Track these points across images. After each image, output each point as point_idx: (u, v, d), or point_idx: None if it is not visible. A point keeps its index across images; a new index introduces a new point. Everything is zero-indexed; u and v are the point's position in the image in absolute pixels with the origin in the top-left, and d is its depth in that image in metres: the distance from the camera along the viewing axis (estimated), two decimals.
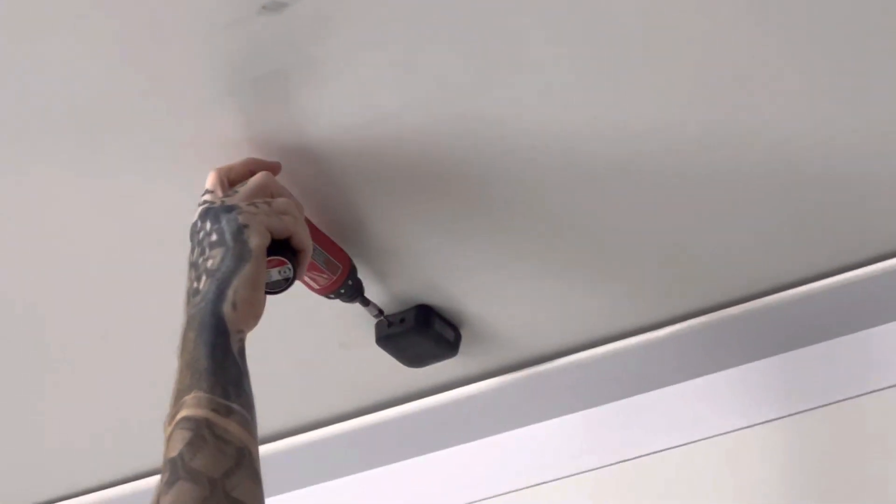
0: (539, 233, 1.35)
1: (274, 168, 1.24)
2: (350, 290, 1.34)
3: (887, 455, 1.39)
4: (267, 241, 1.15)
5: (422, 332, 1.42)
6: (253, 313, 1.12)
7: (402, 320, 1.43)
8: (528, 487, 1.55)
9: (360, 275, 1.36)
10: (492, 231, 1.35)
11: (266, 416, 1.59)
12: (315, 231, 1.29)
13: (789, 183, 1.28)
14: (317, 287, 1.33)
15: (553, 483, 1.54)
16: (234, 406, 1.05)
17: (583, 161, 1.25)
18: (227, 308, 1.10)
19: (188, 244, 1.19)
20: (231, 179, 1.21)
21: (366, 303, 1.38)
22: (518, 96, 1.19)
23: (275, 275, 1.18)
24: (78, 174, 1.29)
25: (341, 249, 1.33)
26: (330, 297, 1.34)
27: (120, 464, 1.68)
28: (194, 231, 1.18)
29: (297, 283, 1.23)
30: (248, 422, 1.06)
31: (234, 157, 1.24)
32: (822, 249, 1.37)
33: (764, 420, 1.46)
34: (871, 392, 1.42)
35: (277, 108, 1.22)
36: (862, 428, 1.42)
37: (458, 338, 1.46)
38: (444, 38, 1.14)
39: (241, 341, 1.10)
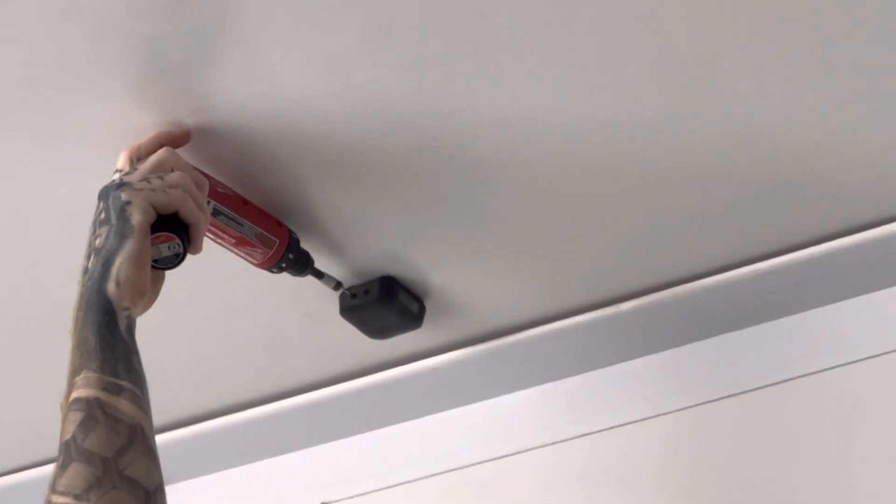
0: (504, 206, 1.35)
1: (180, 139, 1.23)
2: (293, 263, 1.33)
3: (805, 440, 1.42)
4: (150, 218, 1.15)
5: (386, 304, 1.42)
6: (137, 290, 1.12)
7: (367, 291, 1.42)
8: (490, 460, 1.55)
9: (322, 247, 1.36)
10: (457, 203, 1.34)
11: (228, 386, 1.62)
12: (245, 205, 1.29)
13: (723, 171, 1.29)
14: (255, 262, 1.32)
15: (515, 456, 1.54)
16: (124, 384, 1.05)
17: (547, 138, 1.25)
18: (110, 286, 1.10)
19: None
20: (139, 157, 1.21)
21: (319, 275, 1.37)
22: (482, 71, 1.18)
23: (164, 250, 1.18)
24: None
25: (279, 223, 1.32)
26: (273, 272, 1.34)
27: None
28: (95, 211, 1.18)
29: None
30: (140, 399, 1.06)
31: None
32: (751, 236, 1.39)
33: (724, 395, 1.47)
34: (801, 376, 1.44)
35: (233, 78, 1.20)
36: (784, 412, 1.44)
37: (422, 309, 1.46)
38: (410, 12, 1.14)
39: (129, 318, 1.10)
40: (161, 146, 1.21)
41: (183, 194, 1.17)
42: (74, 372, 1.06)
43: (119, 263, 1.11)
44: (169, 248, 1.18)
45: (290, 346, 1.55)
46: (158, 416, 1.59)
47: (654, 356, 1.52)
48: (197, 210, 1.18)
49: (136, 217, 1.13)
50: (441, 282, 1.44)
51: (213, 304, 1.45)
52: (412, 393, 1.57)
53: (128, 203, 1.14)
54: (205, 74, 1.19)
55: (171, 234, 1.17)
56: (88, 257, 1.13)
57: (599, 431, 1.51)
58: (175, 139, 1.23)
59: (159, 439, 1.59)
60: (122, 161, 1.21)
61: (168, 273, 1.20)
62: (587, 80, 1.19)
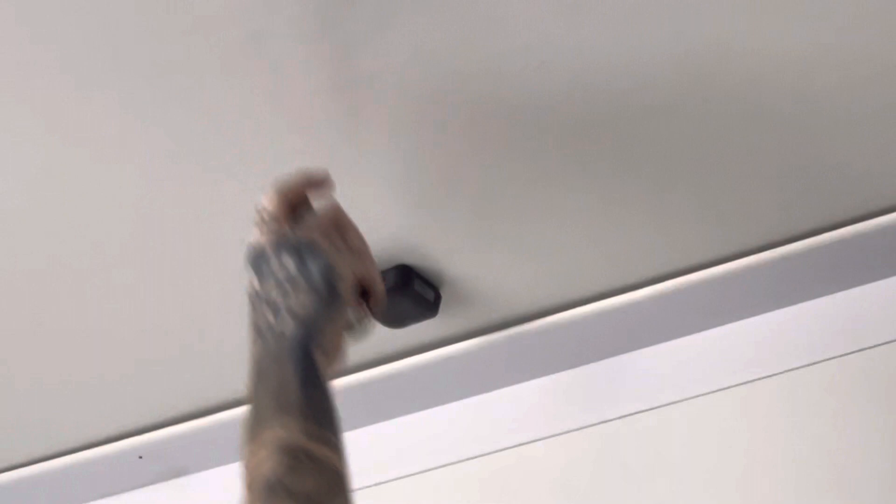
0: (518, 194, 1.34)
1: (325, 184, 1.17)
2: None
3: None
4: (352, 286, 1.12)
5: (401, 293, 1.42)
6: (339, 360, 1.11)
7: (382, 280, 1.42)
8: (508, 448, 1.55)
9: None
10: (472, 191, 1.34)
11: (245, 376, 1.61)
12: None
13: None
14: None
15: (533, 444, 1.54)
16: (327, 433, 1.02)
17: (570, 110, 1.24)
18: (316, 351, 1.06)
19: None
20: (293, 204, 1.14)
21: None
22: (506, 42, 1.17)
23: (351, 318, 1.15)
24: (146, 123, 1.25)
25: None
26: None
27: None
28: (262, 260, 1.11)
29: None
30: (340, 449, 1.03)
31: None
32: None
33: (749, 379, 1.47)
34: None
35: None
36: None
37: (437, 298, 1.46)
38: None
39: (328, 376, 1.07)
40: (307, 188, 1.16)
41: (372, 262, 1.15)
42: (265, 418, 1.02)
43: (329, 334, 1.08)
44: (355, 316, 1.15)
45: None
46: (176, 406, 1.61)
47: (670, 343, 1.52)
48: (379, 276, 1.17)
49: (343, 286, 1.10)
50: (457, 270, 1.44)
51: (227, 294, 1.44)
52: (428, 382, 1.57)
53: (332, 268, 1.10)
54: None
55: (360, 302, 1.15)
56: (276, 314, 1.08)
57: (618, 419, 1.51)
58: (319, 183, 1.17)
59: (179, 430, 1.62)
60: (273, 203, 1.13)
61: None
62: (624, 35, 1.18)
